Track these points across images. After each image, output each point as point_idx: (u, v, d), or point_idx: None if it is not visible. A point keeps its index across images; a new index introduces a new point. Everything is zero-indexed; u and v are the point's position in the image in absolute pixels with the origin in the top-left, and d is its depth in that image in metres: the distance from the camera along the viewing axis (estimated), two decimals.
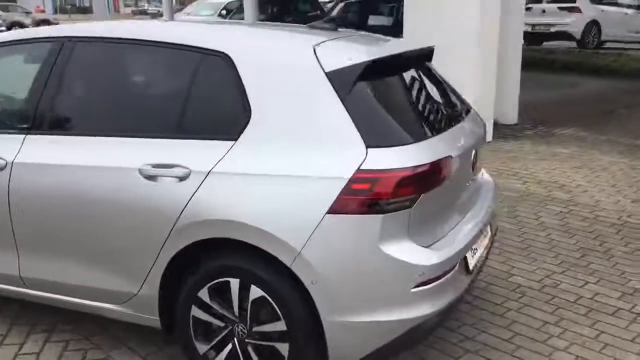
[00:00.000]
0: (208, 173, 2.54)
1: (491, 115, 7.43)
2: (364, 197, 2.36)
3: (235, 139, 2.56)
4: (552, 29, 15.32)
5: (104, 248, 2.80)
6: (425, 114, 2.89)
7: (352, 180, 2.36)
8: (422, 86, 2.98)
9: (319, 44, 2.67)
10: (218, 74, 2.66)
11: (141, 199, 2.65)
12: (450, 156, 2.63)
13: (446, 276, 2.55)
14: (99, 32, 3.04)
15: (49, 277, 2.99)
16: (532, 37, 15.36)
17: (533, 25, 15.14)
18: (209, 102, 2.71)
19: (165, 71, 2.92)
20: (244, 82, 2.59)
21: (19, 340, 3.20)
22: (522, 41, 8.38)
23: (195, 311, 2.68)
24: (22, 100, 3.07)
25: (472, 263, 2.85)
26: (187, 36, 2.84)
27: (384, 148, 2.43)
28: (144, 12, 49.94)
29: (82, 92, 3.06)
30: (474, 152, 2.95)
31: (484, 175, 3.52)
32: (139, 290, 2.76)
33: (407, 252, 2.43)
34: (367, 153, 2.40)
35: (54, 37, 3.06)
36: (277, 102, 2.56)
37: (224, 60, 2.64)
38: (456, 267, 2.64)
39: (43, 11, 57.50)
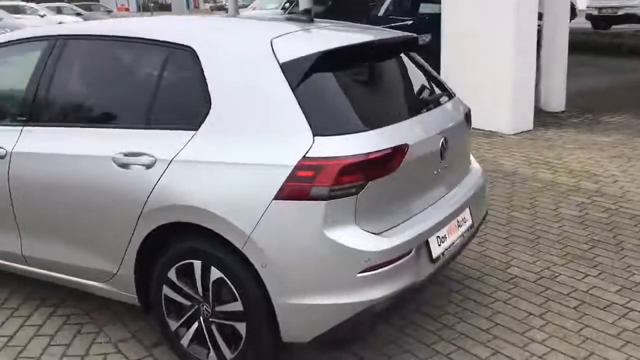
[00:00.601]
0: (170, 161, 2.70)
1: (530, 101, 7.24)
2: (308, 183, 2.44)
3: (196, 129, 2.69)
4: (620, 12, 14.60)
5: (86, 230, 3.02)
6: (384, 102, 2.91)
7: (297, 168, 2.45)
8: (388, 74, 3.02)
9: (279, 36, 2.76)
10: (183, 66, 2.80)
11: (115, 185, 2.84)
12: (407, 144, 2.66)
13: (397, 262, 2.59)
14: (84, 30, 3.27)
15: (45, 256, 3.25)
16: (599, 21, 14.69)
17: (600, 9, 14.49)
18: (175, 93, 2.86)
19: (137, 65, 3.10)
20: (205, 74, 2.72)
21: (27, 313, 3.50)
22: (568, 26, 8.05)
23: (166, 290, 2.85)
24: (21, 95, 3.33)
25: (437, 251, 2.87)
26: (156, 31, 3.00)
27: (331, 136, 2.50)
28: (221, 8, 51.10)
29: (67, 86, 3.28)
30: (442, 139, 2.95)
31: (471, 163, 3.51)
32: (118, 270, 2.96)
33: (353, 238, 2.49)
34: (313, 141, 2.47)
35: (48, 36, 3.30)
36: (234, 93, 2.68)
37: (190, 54, 2.78)
38: (412, 254, 2.66)
39: (127, 9, 59.95)
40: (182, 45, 2.82)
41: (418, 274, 2.75)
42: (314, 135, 2.49)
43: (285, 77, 2.58)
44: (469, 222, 3.22)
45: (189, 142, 2.69)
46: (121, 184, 2.82)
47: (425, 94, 3.12)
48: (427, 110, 2.99)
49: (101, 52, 3.18)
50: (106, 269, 3.01)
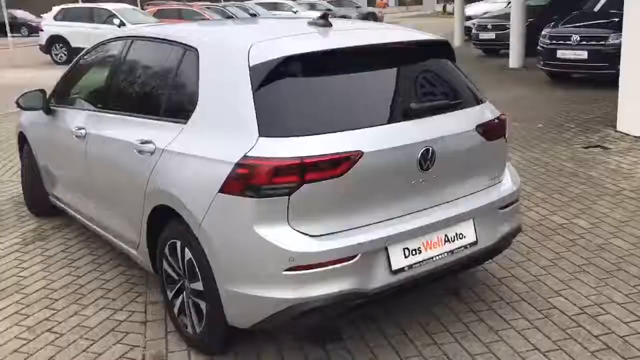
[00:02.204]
0: (163, 150, 3.07)
1: None
2: (244, 180, 2.61)
3: (185, 123, 3.02)
4: None
5: (120, 204, 3.58)
6: (350, 108, 2.87)
7: (237, 165, 2.63)
8: (369, 80, 2.97)
9: (263, 40, 2.95)
10: (190, 65, 3.13)
11: (134, 166, 3.31)
12: (360, 152, 2.66)
13: (332, 266, 2.62)
14: (140, 33, 3.81)
15: (105, 222, 3.89)
16: None
17: None
18: (180, 89, 3.22)
19: (160, 62, 3.51)
20: (200, 73, 3.02)
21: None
22: None
23: (165, 264, 3.25)
24: (99, 85, 4.01)
25: (400, 263, 2.81)
26: (179, 32, 3.41)
27: (274, 138, 2.63)
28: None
29: (118, 79, 3.85)
30: (423, 150, 2.84)
31: (501, 176, 3.28)
32: (139, 241, 3.44)
33: (280, 236, 2.59)
34: (256, 141, 2.63)
35: (125, 37, 3.94)
36: (213, 91, 2.93)
37: (195, 54, 3.11)
38: (355, 260, 2.67)
39: (386, 4, 62.32)
40: (191, 46, 3.17)
41: (367, 282, 2.73)
42: (259, 135, 2.64)
43: (251, 79, 2.75)
44: (470, 239, 3.05)
45: (179, 134, 3.04)
46: (137, 166, 3.28)
47: (415, 102, 3.00)
48: (407, 119, 2.90)
49: (139, 51, 3.72)
50: (133, 238, 3.51)
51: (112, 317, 3.53)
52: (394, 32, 3.55)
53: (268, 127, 2.66)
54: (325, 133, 2.67)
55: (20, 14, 34.85)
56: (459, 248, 3.01)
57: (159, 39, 3.52)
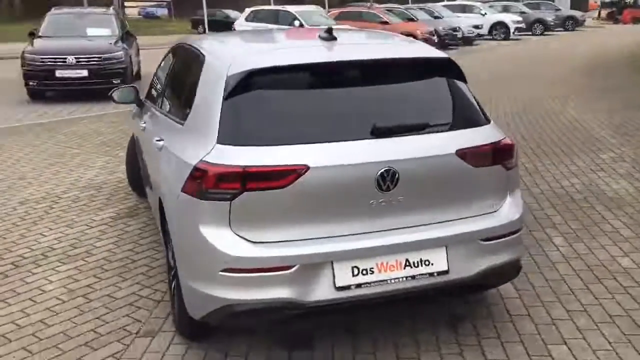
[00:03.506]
0: (164, 147, 3.39)
1: None
2: (197, 183, 2.81)
3: (183, 124, 3.30)
4: None
5: (150, 196, 4.01)
6: (306, 123, 2.91)
7: (194, 168, 2.84)
8: (335, 96, 2.99)
9: (250, 52, 3.13)
10: (198, 72, 3.40)
11: (154, 160, 3.69)
12: (306, 166, 2.71)
13: (267, 273, 2.74)
14: (185, 40, 4.19)
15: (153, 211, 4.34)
16: None
17: None
18: (189, 92, 3.49)
19: (186, 67, 3.84)
20: (200, 78, 3.27)
21: None
22: None
23: (167, 251, 3.56)
24: (157, 85, 4.48)
25: (346, 280, 2.81)
26: (202, 42, 3.73)
27: (227, 145, 2.80)
28: None
29: (164, 80, 4.28)
30: (383, 171, 2.79)
31: (497, 205, 3.09)
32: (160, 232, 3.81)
33: (220, 238, 2.76)
34: (213, 147, 2.82)
35: (178, 43, 4.35)
36: (203, 96, 3.16)
37: (204, 61, 3.37)
38: (293, 271, 2.74)
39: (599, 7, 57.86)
40: (203, 54, 3.44)
41: (306, 294, 2.78)
42: (217, 142, 2.83)
43: (224, 88, 2.94)
44: (438, 268, 2.93)
45: (176, 134, 3.35)
46: (154, 160, 3.67)
47: (383, 120, 2.92)
48: (369, 138, 2.86)
49: (179, 56, 4.10)
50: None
51: (137, 292, 3.95)
52: (396, 47, 3.49)
53: (226, 134, 2.83)
54: (276, 145, 2.77)
55: (234, 14, 38.04)
56: (423, 275, 2.91)
57: (192, 46, 3.85)
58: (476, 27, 26.12)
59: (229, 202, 2.74)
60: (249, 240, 2.76)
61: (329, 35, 3.31)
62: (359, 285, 2.83)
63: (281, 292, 2.76)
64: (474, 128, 3.09)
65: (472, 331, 3.36)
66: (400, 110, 3.06)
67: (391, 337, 3.29)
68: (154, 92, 4.74)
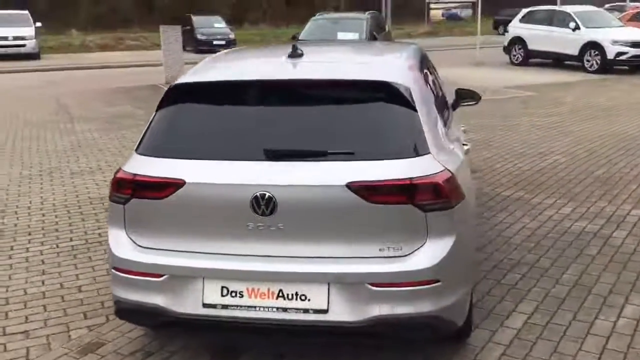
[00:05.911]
0: None
1: None
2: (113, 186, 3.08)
3: None
4: None
5: None
6: (201, 139, 2.95)
7: (116, 172, 3.11)
8: (237, 115, 2.93)
9: (203, 67, 3.33)
10: None
11: None
12: (182, 181, 2.79)
13: (139, 277, 2.89)
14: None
15: None
16: None
17: None
18: None
19: None
20: None
21: None
22: None
23: None
24: None
25: (214, 299, 2.80)
26: None
27: (139, 155, 3.03)
28: None
29: None
30: (257, 195, 2.69)
31: (388, 250, 2.72)
32: None
33: (115, 238, 3.00)
34: (131, 155, 3.07)
35: None
36: None
37: None
38: (162, 280, 2.85)
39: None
40: None
41: (176, 304, 2.85)
42: (134, 150, 3.08)
43: (162, 99, 3.16)
44: (316, 305, 2.73)
45: None
46: None
47: (275, 144, 2.75)
48: (252, 160, 2.79)
49: None
50: None
51: None
52: (349, 67, 3.23)
53: (142, 144, 3.06)
54: (163, 157, 2.90)
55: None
56: (297, 309, 2.73)
57: None
58: None
59: (123, 206, 2.95)
60: (137, 244, 2.94)
61: (295, 53, 3.27)
62: (225, 307, 2.78)
63: (155, 299, 2.88)
64: (393, 160, 2.73)
65: None
66: (305, 134, 2.87)
67: None
68: None
